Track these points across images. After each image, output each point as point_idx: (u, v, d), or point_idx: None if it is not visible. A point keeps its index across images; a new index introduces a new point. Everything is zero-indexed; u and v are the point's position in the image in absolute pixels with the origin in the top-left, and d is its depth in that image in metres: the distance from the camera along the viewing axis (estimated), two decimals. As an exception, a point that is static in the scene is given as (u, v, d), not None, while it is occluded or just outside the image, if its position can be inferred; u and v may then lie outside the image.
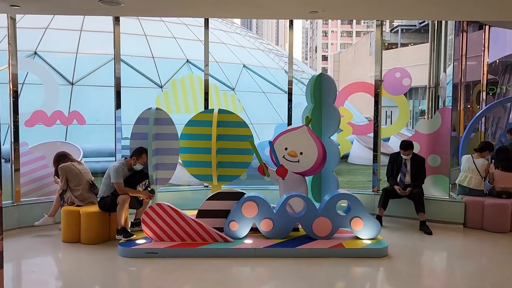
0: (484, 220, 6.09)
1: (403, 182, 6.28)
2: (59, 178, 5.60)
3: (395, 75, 6.71)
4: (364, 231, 5.14)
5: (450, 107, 6.67)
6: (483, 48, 11.09)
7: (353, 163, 13.15)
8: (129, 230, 5.24)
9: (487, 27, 10.92)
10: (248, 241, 5.03)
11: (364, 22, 76.05)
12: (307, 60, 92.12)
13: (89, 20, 13.30)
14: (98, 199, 5.31)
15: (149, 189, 5.45)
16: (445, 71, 7.58)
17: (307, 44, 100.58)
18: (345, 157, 13.00)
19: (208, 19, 6.82)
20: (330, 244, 4.96)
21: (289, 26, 6.97)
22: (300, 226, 5.33)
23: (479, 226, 6.11)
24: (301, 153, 5.46)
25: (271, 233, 5.12)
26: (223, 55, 14.95)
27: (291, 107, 7.01)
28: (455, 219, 6.25)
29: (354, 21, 77.13)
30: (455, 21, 9.73)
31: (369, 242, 5.06)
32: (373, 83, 6.80)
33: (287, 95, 7.05)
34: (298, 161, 5.46)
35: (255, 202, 5.11)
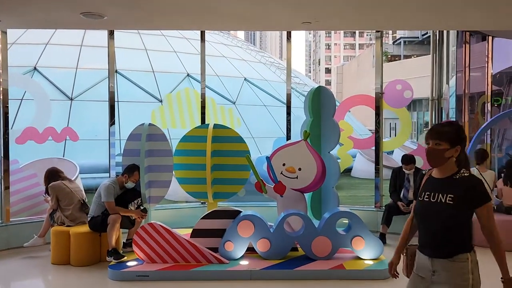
0: (492, 237, 5.81)
1: (406, 198, 6.05)
2: (49, 197, 5.42)
3: (396, 87, 6.53)
4: (365, 251, 4.90)
5: (454, 119, 6.46)
6: (486, 59, 10.90)
7: (356, 177, 12.90)
8: (121, 251, 5.03)
9: (490, 37, 10.74)
10: (244, 263, 4.80)
11: (367, 35, 76.27)
12: (310, 73, 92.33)
13: (89, 35, 13.29)
14: (89, 219, 5.11)
15: (141, 208, 5.25)
16: (448, 82, 7.40)
17: (310, 57, 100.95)
18: (348, 170, 12.77)
19: (204, 32, 6.69)
20: (330, 265, 4.72)
21: (287, 38, 6.83)
22: (298, 246, 5.10)
23: (487, 244, 5.82)
24: (299, 169, 5.25)
25: (268, 253, 4.89)
26: (224, 68, 14.86)
27: (290, 120, 6.84)
28: (462, 237, 5.97)
29: (357, 33, 77.46)
30: (457, 33, 9.59)
31: (371, 262, 4.82)
32: (374, 96, 6.63)
33: (285, 108, 6.89)
34: (297, 177, 5.25)
35: (251, 221, 4.89)
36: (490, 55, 10.86)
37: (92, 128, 10.85)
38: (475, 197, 2.30)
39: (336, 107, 5.99)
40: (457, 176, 2.34)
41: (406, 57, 37.82)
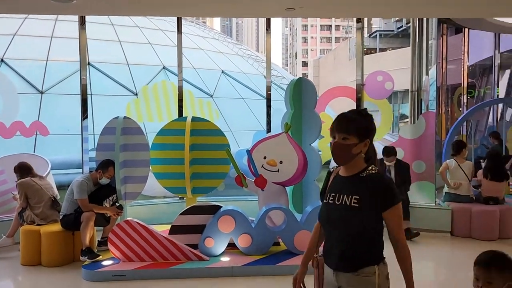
0: (471, 228, 5.86)
1: (387, 190, 6.01)
2: (18, 195, 5.14)
3: (377, 79, 6.47)
4: (348, 244, 4.82)
5: (434, 111, 6.47)
6: (462, 52, 11.04)
7: (335, 169, 12.89)
8: (96, 250, 4.81)
9: (466, 30, 10.87)
10: (225, 259, 4.65)
11: (343, 28, 76.84)
12: (287, 66, 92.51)
13: (60, 25, 12.79)
14: (61, 217, 4.86)
15: (117, 204, 5.03)
16: (427, 74, 7.41)
17: (287, 50, 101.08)
18: (328, 162, 12.74)
19: (181, 23, 6.46)
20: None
21: (266, 29, 6.68)
22: (280, 240, 4.99)
23: (467, 234, 5.87)
24: (280, 162, 5.13)
25: (249, 249, 4.76)
26: (200, 61, 14.58)
27: (270, 113, 6.70)
28: (442, 227, 6.01)
29: (333, 27, 77.92)
30: (436, 25, 9.63)
31: (354, 256, 4.75)
32: (355, 87, 6.55)
33: (265, 101, 6.75)
34: (278, 171, 5.13)
35: (232, 216, 4.75)
36: (466, 47, 11.01)
37: (64, 122, 10.44)
38: (381, 198, 1.95)
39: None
40: (364, 174, 2.00)
41: (381, 50, 38.20)
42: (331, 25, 78.65)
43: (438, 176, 6.43)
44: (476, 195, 6.27)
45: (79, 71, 6.13)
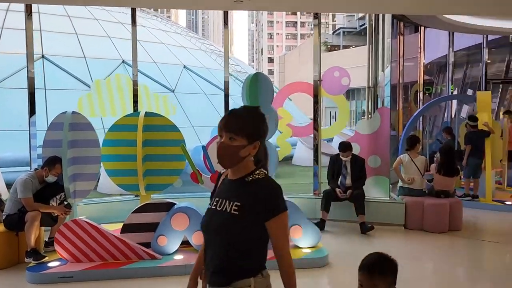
0: (424, 220, 6.02)
1: (343, 185, 6.09)
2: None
3: (333, 75, 6.52)
4: (303, 239, 4.84)
5: (389, 107, 6.59)
6: (419, 50, 11.33)
7: (298, 165, 12.99)
8: (42, 251, 4.60)
9: (422, 28, 11.16)
10: (179, 257, 4.56)
11: (308, 25, 77.55)
12: (253, 62, 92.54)
13: (11, 17, 12.17)
14: (4, 217, 4.61)
15: (65, 203, 4.83)
16: (383, 71, 7.54)
17: (253, 46, 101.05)
18: (289, 158, 12.81)
19: (135, 15, 6.28)
20: (268, 255, 4.59)
21: (224, 23, 6.61)
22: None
23: (419, 227, 6.03)
24: (237, 158, 5.07)
25: (204, 246, 4.68)
26: (162, 55, 14.31)
27: (228, 109, 6.63)
28: (395, 221, 6.13)
29: (299, 23, 78.51)
30: (392, 23, 9.83)
31: (309, 251, 4.77)
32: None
33: (223, 96, 6.67)
34: (234, 167, 5.07)
35: (186, 214, 4.65)
36: (422, 46, 11.31)
37: (17, 118, 9.96)
38: (265, 206, 1.73)
39: (275, 94, 5.88)
40: (250, 179, 1.78)
41: (345, 47, 38.86)
42: (296, 22, 79.24)
43: (393, 170, 6.56)
44: (429, 188, 6.45)
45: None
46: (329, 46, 40.16)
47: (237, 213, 1.74)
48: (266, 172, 1.83)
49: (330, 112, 32.32)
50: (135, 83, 6.25)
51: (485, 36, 11.61)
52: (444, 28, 10.66)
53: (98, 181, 6.54)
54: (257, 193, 1.74)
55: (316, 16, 6.56)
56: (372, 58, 7.49)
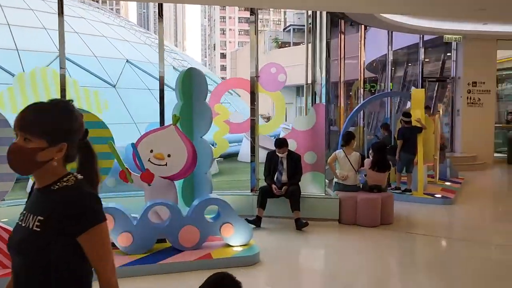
0: (357, 215, 6.15)
1: (280, 181, 6.10)
2: None
3: (270, 71, 6.50)
4: (235, 237, 4.78)
5: (324, 103, 6.67)
6: (359, 48, 11.63)
7: (243, 161, 12.96)
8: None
9: (362, 27, 11.46)
10: (103, 260, 4.35)
11: (260, 21, 77.84)
12: (206, 58, 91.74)
13: None
14: None
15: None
16: (321, 69, 7.64)
17: (205, 42, 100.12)
18: (235, 155, 12.75)
19: (62, 4, 5.95)
20: (196, 255, 4.51)
21: (159, 15, 6.41)
22: (167, 237, 4.80)
23: (353, 222, 6.15)
24: (168, 156, 4.92)
25: (130, 248, 4.51)
26: (103, 49, 13.74)
27: (163, 105, 6.45)
28: (330, 216, 6.23)
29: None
30: (333, 22, 10.00)
31: (240, 249, 4.72)
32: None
33: (159, 92, 6.48)
34: (166, 164, 4.92)
35: (111, 214, 4.45)
36: (362, 44, 11.61)
37: None
38: (73, 218, 1.40)
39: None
40: (56, 187, 1.46)
41: (295, 44, 39.31)
42: (249, 18, 79.29)
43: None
44: (363, 183, 6.61)
45: None
46: (279, 42, 40.54)
47: (38, 229, 1.41)
48: (78, 177, 1.51)
49: (281, 108, 32.63)
50: (62, 77, 5.92)
51: (421, 36, 12.11)
52: (382, 27, 11.01)
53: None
54: (64, 202, 1.42)
55: (252, 12, 6.51)
56: (311, 56, 7.57)
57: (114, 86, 12.43)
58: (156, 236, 4.64)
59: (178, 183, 5.55)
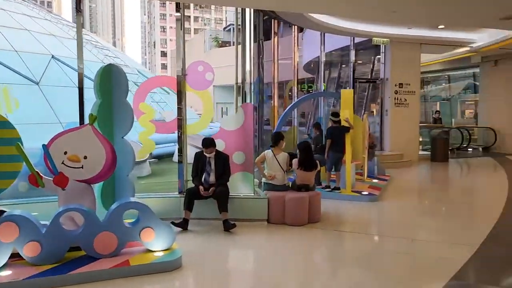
0: (285, 214, 6.16)
1: (207, 182, 5.96)
2: None
3: (198, 69, 6.35)
4: (156, 242, 4.58)
5: (252, 103, 6.62)
6: (293, 49, 11.77)
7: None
8: None
9: (295, 28, 11.60)
10: (5, 273, 3.97)
11: (201, 20, 77.18)
12: (146, 55, 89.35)
13: None
14: None
15: None
16: (251, 69, 7.58)
17: (145, 39, 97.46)
18: (170, 155, 12.42)
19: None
20: (113, 263, 4.25)
21: (77, 10, 6.03)
22: (82, 244, 4.48)
23: (281, 221, 6.15)
24: (85, 157, 4.61)
25: (38, 258, 4.15)
26: (25, 43, 12.82)
27: (83, 103, 6.07)
28: (259, 216, 6.19)
29: (192, 18, 77.59)
30: (265, 22, 10.02)
31: (161, 254, 4.52)
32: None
33: (78, 90, 6.09)
34: (82, 167, 4.61)
35: (15, 223, 4.08)
36: (296, 45, 11.76)
37: None
38: None
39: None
40: None
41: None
42: (189, 16, 78.21)
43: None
44: (292, 182, 6.64)
45: None
46: (220, 42, 40.32)
47: None
48: None
49: (222, 108, 32.38)
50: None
51: (352, 38, 12.49)
52: (314, 28, 11.21)
53: None
54: None
55: (178, 9, 6.31)
56: (240, 55, 7.49)
57: (37, 84, 11.63)
58: (67, 244, 4.32)
59: (98, 187, 5.25)
